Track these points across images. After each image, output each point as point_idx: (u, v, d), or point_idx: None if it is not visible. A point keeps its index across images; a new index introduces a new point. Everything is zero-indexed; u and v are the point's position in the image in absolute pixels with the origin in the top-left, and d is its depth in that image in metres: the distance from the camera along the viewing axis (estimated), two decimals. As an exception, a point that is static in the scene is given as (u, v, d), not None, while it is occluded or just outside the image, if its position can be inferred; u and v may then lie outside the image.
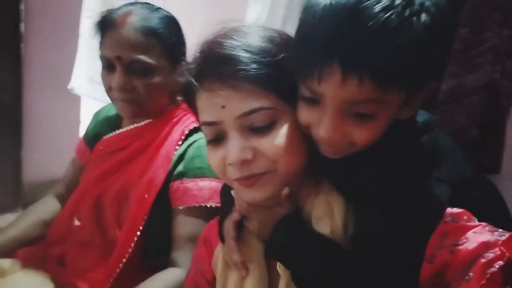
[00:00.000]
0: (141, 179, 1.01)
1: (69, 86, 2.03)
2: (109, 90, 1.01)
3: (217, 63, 0.58)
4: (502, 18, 0.76)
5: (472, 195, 0.62)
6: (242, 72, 0.56)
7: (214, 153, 0.61)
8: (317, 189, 0.63)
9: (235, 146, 0.57)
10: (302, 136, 0.59)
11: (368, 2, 0.47)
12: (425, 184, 0.57)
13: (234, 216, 0.66)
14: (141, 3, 1.04)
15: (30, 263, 1.04)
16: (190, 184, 0.98)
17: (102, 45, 1.00)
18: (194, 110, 0.65)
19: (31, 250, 1.12)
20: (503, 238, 0.46)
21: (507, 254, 0.41)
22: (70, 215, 1.11)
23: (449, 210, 0.54)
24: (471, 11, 0.77)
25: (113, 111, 1.19)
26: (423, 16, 0.47)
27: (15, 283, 0.96)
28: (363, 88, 0.49)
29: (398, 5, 0.47)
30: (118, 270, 0.96)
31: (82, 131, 2.43)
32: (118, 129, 1.12)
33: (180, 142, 1.02)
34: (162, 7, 1.05)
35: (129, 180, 1.03)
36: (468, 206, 0.55)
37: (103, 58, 0.99)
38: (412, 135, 0.60)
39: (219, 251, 0.70)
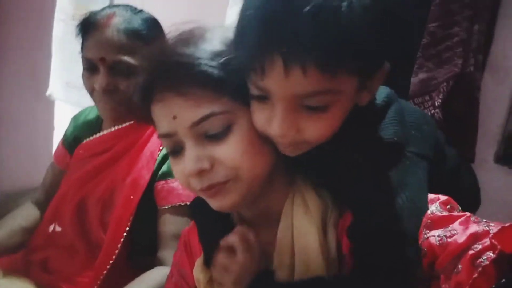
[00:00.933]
0: (125, 181, 1.01)
1: (47, 93, 1.98)
2: (91, 92, 1.01)
3: (165, 71, 0.55)
4: (471, 14, 0.80)
5: (446, 166, 0.63)
6: (190, 78, 0.54)
7: (176, 165, 0.59)
8: (292, 189, 0.61)
9: (190, 157, 0.55)
10: (264, 137, 0.55)
11: None
12: (404, 165, 0.55)
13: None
14: (123, 5, 1.05)
15: (12, 271, 1.02)
16: (175, 183, 0.99)
17: (84, 46, 1.00)
18: (152, 123, 0.62)
19: (12, 258, 1.09)
20: (491, 228, 0.47)
21: (499, 246, 0.41)
22: (51, 220, 1.09)
23: (434, 197, 0.55)
24: (440, 6, 0.82)
25: (92, 115, 1.18)
26: None
27: (-3, 291, 0.93)
28: (309, 79, 0.46)
29: None
30: (105, 272, 0.95)
31: (56, 138, 2.38)
32: (98, 132, 1.12)
33: (163, 143, 1.02)
34: (141, 8, 1.06)
35: (113, 182, 1.03)
36: (443, 178, 0.57)
37: (85, 59, 0.99)
38: (376, 116, 0.57)
39: (200, 261, 0.68)
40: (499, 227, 0.46)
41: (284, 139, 0.53)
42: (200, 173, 0.55)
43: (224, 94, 0.54)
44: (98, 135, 1.11)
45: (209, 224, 0.67)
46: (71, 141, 1.18)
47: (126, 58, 0.95)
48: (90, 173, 1.07)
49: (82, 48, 1.01)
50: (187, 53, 0.55)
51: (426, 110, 0.89)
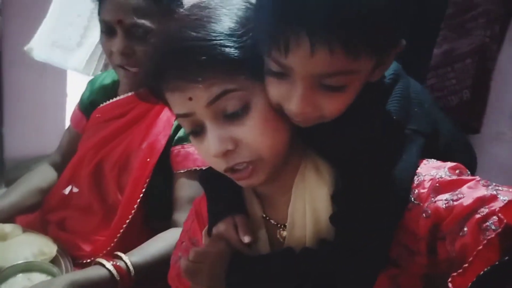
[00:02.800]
0: (141, 145, 1.03)
1: (25, 47, 1.95)
2: (109, 56, 1.01)
3: (176, 59, 0.54)
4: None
5: (438, 142, 0.63)
6: (203, 63, 0.52)
7: (200, 144, 0.59)
8: (305, 158, 0.62)
9: (214, 138, 0.55)
10: (279, 110, 0.56)
11: None
12: (399, 141, 0.56)
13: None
14: None
15: (31, 228, 1.05)
16: (191, 148, 1.00)
17: (102, 9, 0.99)
18: (166, 102, 0.60)
19: (30, 217, 1.13)
20: (499, 193, 0.46)
21: (505, 220, 0.40)
22: (68, 182, 1.12)
23: (442, 164, 0.55)
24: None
25: (108, 79, 1.19)
26: None
27: (18, 245, 0.96)
28: (334, 59, 0.47)
29: None
30: (121, 232, 0.98)
31: (69, 105, 2.40)
32: (114, 97, 1.13)
33: (180, 108, 1.04)
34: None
35: (130, 146, 1.05)
36: (434, 154, 0.57)
37: (103, 22, 0.99)
38: (383, 92, 0.58)
39: (205, 230, 0.69)
40: (508, 193, 0.46)
41: (301, 116, 0.54)
42: (225, 154, 0.56)
43: (238, 73, 0.54)
44: (114, 99, 1.13)
45: (217, 196, 0.69)
46: (88, 105, 1.19)
47: (143, 21, 0.95)
48: (107, 137, 1.09)
49: (99, 11, 1.01)
50: (198, 37, 0.53)
51: (447, 81, 0.89)
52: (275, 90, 0.53)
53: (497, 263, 0.37)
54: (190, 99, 0.54)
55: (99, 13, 1.01)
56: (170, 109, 0.60)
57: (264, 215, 0.66)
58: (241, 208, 0.66)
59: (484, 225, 0.44)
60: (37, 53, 1.92)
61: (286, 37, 0.47)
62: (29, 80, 2.32)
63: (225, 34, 0.53)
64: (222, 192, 0.67)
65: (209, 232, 0.67)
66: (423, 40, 0.91)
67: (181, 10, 0.60)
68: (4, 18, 2.18)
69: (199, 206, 0.75)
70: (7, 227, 1.00)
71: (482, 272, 0.37)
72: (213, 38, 0.53)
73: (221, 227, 0.65)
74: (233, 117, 0.55)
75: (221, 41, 0.53)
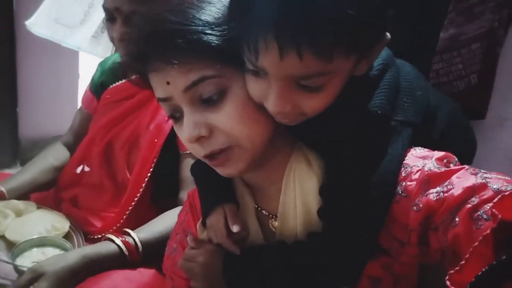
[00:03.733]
0: (150, 125, 1.05)
1: (26, 22, 1.95)
2: (112, 41, 1.03)
3: (156, 41, 0.54)
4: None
5: (435, 128, 0.63)
6: (181, 47, 0.52)
7: (179, 131, 0.58)
8: (295, 149, 0.62)
9: (188, 123, 0.55)
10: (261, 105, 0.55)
11: None
12: (385, 133, 0.56)
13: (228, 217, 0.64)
14: None
15: (45, 205, 1.09)
16: (197, 129, 1.02)
17: None
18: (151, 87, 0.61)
19: (43, 194, 1.18)
20: (488, 181, 0.46)
21: (499, 216, 0.40)
22: (80, 161, 1.16)
23: (429, 154, 0.54)
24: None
25: (118, 60, 1.21)
26: None
27: (32, 220, 1.01)
28: (304, 62, 0.46)
29: None
30: (129, 209, 1.02)
31: (81, 86, 2.44)
32: (124, 78, 1.15)
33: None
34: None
35: (138, 126, 1.07)
36: (431, 140, 0.57)
37: (105, 9, 1.01)
38: (370, 84, 0.57)
39: (199, 222, 0.71)
40: (498, 181, 0.46)
41: (280, 115, 0.53)
42: (199, 139, 0.55)
43: (217, 60, 0.54)
44: (123, 81, 1.15)
45: (207, 188, 0.69)
46: (98, 86, 1.21)
47: (140, 7, 0.94)
48: (117, 118, 1.12)
49: None
50: (177, 21, 0.53)
51: (453, 66, 0.88)
52: (254, 88, 0.53)
53: (495, 262, 0.37)
54: (168, 83, 0.55)
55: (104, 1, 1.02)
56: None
57: (256, 206, 0.66)
58: (232, 198, 0.66)
59: (475, 214, 0.44)
60: (38, 29, 1.90)
61: (255, 40, 0.47)
62: (43, 61, 2.36)
63: (206, 21, 0.53)
64: (213, 183, 0.67)
65: (203, 224, 0.68)
66: (430, 24, 0.90)
67: None
68: (17, 1, 2.21)
69: (192, 198, 0.75)
70: (22, 204, 1.04)
71: (480, 273, 0.37)
72: (192, 24, 0.53)
73: (212, 219, 0.65)
74: (210, 103, 0.55)
75: (200, 28, 0.53)
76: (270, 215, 0.65)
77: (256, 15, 0.46)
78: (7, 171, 2.41)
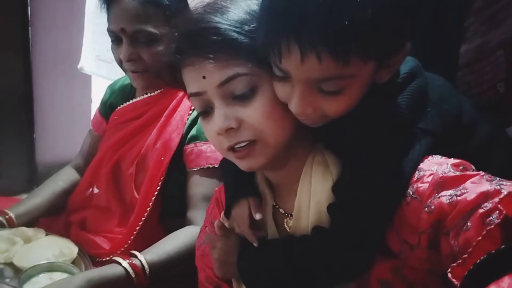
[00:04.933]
0: (156, 144, 1.05)
1: (79, 66, 2.04)
2: (120, 63, 1.04)
3: (194, 38, 0.59)
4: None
5: (474, 141, 0.63)
6: (217, 44, 0.57)
7: (207, 125, 0.62)
8: (313, 150, 0.64)
9: (219, 115, 0.59)
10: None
11: None
12: (402, 138, 0.57)
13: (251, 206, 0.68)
14: None
15: (53, 231, 1.08)
16: (204, 146, 1.01)
17: (108, 19, 1.02)
18: (182, 86, 0.65)
19: (52, 220, 1.17)
20: (502, 188, 0.46)
21: (504, 211, 0.41)
22: (90, 183, 1.15)
23: (443, 160, 0.55)
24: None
25: (127, 82, 1.22)
26: None
27: (40, 246, 0.99)
28: (323, 65, 0.49)
29: None
30: (137, 228, 1.00)
31: (94, 110, 2.48)
32: (131, 99, 1.15)
33: (193, 107, 1.05)
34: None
35: (145, 146, 1.06)
36: (456, 151, 0.56)
37: (110, 32, 1.02)
38: (393, 91, 0.59)
39: (223, 213, 0.74)
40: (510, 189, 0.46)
41: (302, 117, 0.56)
42: (228, 131, 0.58)
43: (249, 59, 0.57)
44: (130, 102, 1.15)
45: (233, 182, 0.73)
46: (107, 108, 1.22)
47: (144, 27, 0.97)
48: (124, 138, 1.11)
49: (107, 21, 1.03)
50: (215, 20, 0.58)
51: (485, 76, 0.85)
52: (280, 90, 0.57)
53: (493, 251, 0.37)
54: (204, 77, 0.58)
55: (107, 24, 1.03)
56: (185, 90, 0.65)
57: (274, 204, 0.69)
58: (256, 193, 0.70)
59: (488, 219, 0.44)
60: (88, 69, 2.00)
61: (279, 44, 0.50)
62: (58, 89, 2.42)
63: (237, 21, 0.58)
64: (238, 178, 0.71)
65: (226, 214, 0.72)
66: (447, 37, 0.87)
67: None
68: (33, 28, 2.28)
69: (219, 193, 0.80)
70: (30, 231, 1.03)
71: (478, 261, 0.37)
72: (228, 23, 0.58)
73: (236, 210, 0.69)
74: (241, 98, 0.58)
75: (233, 27, 0.58)
76: (286, 214, 0.67)
77: (279, 20, 0.50)
78: (24, 196, 2.46)
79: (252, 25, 0.58)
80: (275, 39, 0.50)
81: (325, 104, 0.54)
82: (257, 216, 0.66)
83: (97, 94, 2.43)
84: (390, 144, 0.57)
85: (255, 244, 0.66)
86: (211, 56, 0.57)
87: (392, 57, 0.53)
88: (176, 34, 0.63)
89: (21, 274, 0.89)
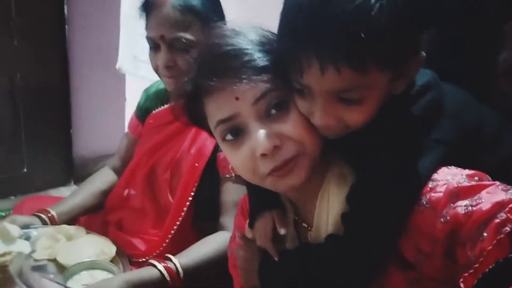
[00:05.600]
0: (190, 150, 1.08)
1: (117, 66, 2.09)
2: (156, 69, 1.07)
3: (222, 60, 0.59)
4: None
5: (485, 150, 0.63)
6: (247, 63, 0.58)
7: (237, 151, 0.60)
8: (332, 166, 0.64)
9: (262, 135, 0.57)
10: None
11: None
12: (415, 148, 0.57)
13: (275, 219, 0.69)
14: None
15: (91, 230, 1.14)
16: (237, 153, 1.03)
17: (147, 26, 1.04)
18: (199, 121, 0.65)
19: (91, 218, 1.23)
20: None
21: None
22: (126, 185, 1.20)
23: (460, 171, 0.55)
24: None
25: (161, 86, 1.25)
26: None
27: (81, 245, 1.05)
28: (343, 76, 0.50)
29: None
30: (172, 232, 1.05)
31: (128, 108, 2.56)
32: (166, 104, 1.18)
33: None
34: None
35: (180, 151, 1.10)
36: (475, 161, 0.57)
37: (148, 38, 1.04)
38: (407, 103, 0.60)
39: (246, 223, 0.76)
40: None
41: (325, 129, 0.57)
42: (274, 150, 0.57)
43: (277, 76, 0.58)
44: (165, 106, 1.18)
45: (257, 194, 0.73)
46: (143, 112, 1.26)
47: (183, 34, 0.98)
48: (160, 143, 1.15)
49: (146, 28, 1.06)
50: (240, 42, 0.60)
51: None
52: (301, 105, 0.58)
53: (501, 260, 0.38)
54: (237, 98, 0.58)
55: (146, 30, 1.05)
56: (200, 126, 0.66)
57: (296, 218, 0.70)
58: (280, 206, 0.71)
59: (503, 229, 0.44)
60: (126, 70, 2.05)
61: (299, 59, 0.52)
62: (93, 85, 2.50)
63: (260, 43, 0.60)
64: (262, 190, 0.69)
65: (250, 225, 0.73)
66: (484, 43, 0.86)
67: (219, 26, 0.65)
68: (69, 27, 2.36)
69: (244, 202, 0.80)
70: (72, 229, 1.09)
71: (487, 270, 0.38)
72: (253, 44, 0.60)
73: (260, 222, 0.71)
74: (276, 115, 0.59)
75: (259, 48, 0.60)
76: (309, 228, 0.68)
77: (298, 36, 0.52)
78: (62, 188, 2.57)
79: (270, 46, 0.60)
80: (295, 55, 0.52)
81: (346, 114, 0.55)
82: (282, 231, 0.67)
83: (131, 93, 2.50)
84: (401, 153, 0.57)
85: (275, 258, 0.67)
86: (243, 76, 0.57)
87: (407, 66, 0.55)
88: (200, 60, 0.62)
89: (65, 271, 0.95)
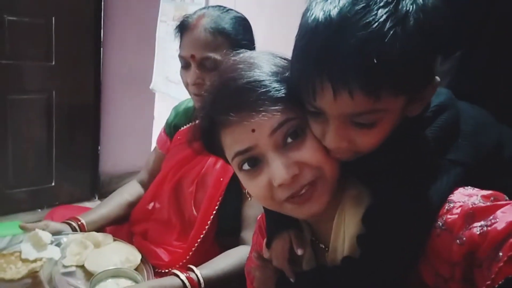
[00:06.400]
0: (216, 165, 1.12)
1: (150, 87, 2.18)
2: (186, 86, 1.12)
3: (238, 94, 0.59)
4: None
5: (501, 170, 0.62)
6: (263, 94, 0.58)
7: (255, 180, 0.60)
8: (348, 188, 0.64)
9: (279, 166, 0.57)
10: None
11: (352, 19, 0.48)
12: (429, 170, 0.57)
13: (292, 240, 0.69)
14: (214, 6, 1.14)
15: (118, 237, 1.18)
16: (260, 170, 1.06)
17: (180, 46, 1.11)
18: (216, 151, 0.66)
19: (117, 228, 1.28)
20: None
21: None
22: (152, 198, 1.25)
23: (476, 191, 0.55)
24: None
25: (190, 104, 1.31)
26: (407, 23, 0.48)
27: (108, 252, 1.09)
28: (356, 101, 0.50)
29: (381, 17, 0.48)
30: (196, 245, 1.07)
31: (155, 127, 2.64)
32: (195, 121, 1.23)
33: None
34: (232, 7, 1.15)
35: (205, 166, 1.14)
36: (496, 183, 0.56)
37: (181, 57, 1.10)
38: (422, 124, 0.59)
39: (264, 242, 0.76)
40: None
41: (337, 151, 0.58)
42: (293, 178, 0.58)
43: (294, 104, 0.58)
44: (193, 123, 1.23)
45: (275, 214, 0.71)
46: (172, 128, 1.32)
47: (212, 54, 1.04)
48: (186, 158, 1.20)
49: (179, 47, 1.12)
50: (255, 74, 0.59)
51: None
52: (314, 128, 0.58)
53: (510, 276, 0.37)
54: (253, 130, 0.58)
55: (179, 50, 1.11)
56: (217, 155, 0.67)
57: (314, 239, 0.70)
58: (297, 226, 0.71)
59: None
60: (158, 89, 2.15)
61: (313, 84, 0.52)
62: (123, 104, 2.60)
63: (274, 73, 0.60)
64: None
65: (267, 245, 0.73)
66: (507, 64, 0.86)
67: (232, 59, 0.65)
68: (105, 50, 2.48)
69: (262, 221, 0.81)
70: (100, 236, 1.14)
71: (497, 286, 0.37)
72: (267, 75, 0.60)
73: (277, 242, 0.70)
74: (293, 143, 0.59)
75: (274, 78, 0.59)
76: (326, 248, 0.67)
77: (312, 61, 0.52)
78: (87, 203, 2.64)
79: (284, 74, 0.60)
80: (309, 79, 0.53)
81: (358, 138, 0.55)
82: (299, 252, 0.67)
83: (159, 112, 2.58)
84: (415, 175, 0.57)
85: (291, 279, 0.67)
86: (261, 109, 0.57)
87: (422, 91, 0.54)
88: (214, 94, 0.62)
89: (91, 278, 0.98)
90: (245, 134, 0.59)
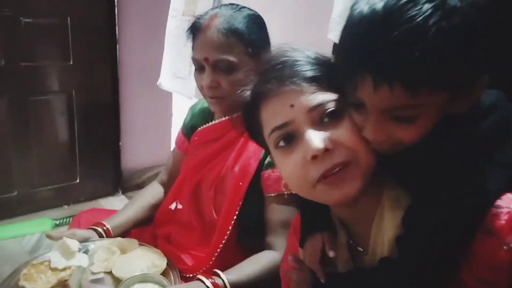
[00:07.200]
0: (234, 168, 1.10)
1: (158, 82, 2.18)
2: (201, 89, 1.10)
3: (279, 69, 0.64)
4: None
5: None
6: (303, 72, 0.62)
7: (289, 157, 0.62)
8: (386, 189, 0.64)
9: (314, 137, 0.59)
10: None
11: (397, 12, 0.48)
12: (477, 171, 0.56)
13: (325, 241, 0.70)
14: (226, 4, 1.10)
15: (142, 242, 1.19)
16: (281, 172, 1.05)
17: (193, 48, 1.08)
18: (254, 130, 0.69)
19: (141, 231, 1.29)
20: None
21: None
22: (174, 199, 1.25)
23: None
24: None
25: (206, 105, 1.28)
26: (454, 18, 0.48)
27: (135, 258, 1.10)
28: (395, 95, 0.51)
29: (426, 11, 0.47)
30: (218, 250, 1.07)
31: (174, 124, 2.65)
32: (211, 121, 1.22)
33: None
34: (246, 5, 1.11)
35: (224, 168, 1.13)
36: None
37: (194, 60, 1.08)
38: (470, 123, 0.58)
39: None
40: None
41: (376, 143, 0.58)
42: (324, 154, 0.58)
43: (334, 90, 0.61)
44: (211, 123, 1.22)
45: (309, 214, 0.74)
46: (189, 129, 1.31)
47: (226, 56, 1.01)
48: (205, 159, 1.19)
49: (192, 49, 1.10)
50: (295, 55, 0.65)
51: None
52: (355, 117, 0.60)
53: None
54: (292, 105, 0.61)
55: (192, 52, 1.09)
56: (254, 136, 0.70)
57: (351, 242, 0.70)
58: (331, 228, 0.71)
59: None
60: (165, 85, 2.16)
61: (355, 76, 0.54)
62: (142, 101, 2.62)
63: (311, 57, 0.66)
64: (314, 211, 0.72)
65: (300, 245, 0.74)
66: None
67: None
68: (120, 46, 2.49)
69: (297, 222, 0.81)
70: (126, 241, 1.15)
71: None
72: (305, 57, 0.65)
73: (310, 243, 0.71)
74: (329, 122, 0.61)
75: (311, 60, 0.65)
76: (365, 252, 0.67)
77: (354, 54, 0.54)
78: (111, 198, 2.70)
79: (323, 62, 0.64)
80: (350, 71, 0.54)
81: (397, 131, 0.56)
82: (331, 254, 0.68)
83: (177, 109, 2.59)
84: (461, 177, 0.56)
85: (322, 280, 0.68)
86: (298, 83, 0.61)
87: (467, 88, 0.53)
88: (260, 72, 0.68)
89: (119, 285, 1.00)
90: (284, 109, 0.62)
